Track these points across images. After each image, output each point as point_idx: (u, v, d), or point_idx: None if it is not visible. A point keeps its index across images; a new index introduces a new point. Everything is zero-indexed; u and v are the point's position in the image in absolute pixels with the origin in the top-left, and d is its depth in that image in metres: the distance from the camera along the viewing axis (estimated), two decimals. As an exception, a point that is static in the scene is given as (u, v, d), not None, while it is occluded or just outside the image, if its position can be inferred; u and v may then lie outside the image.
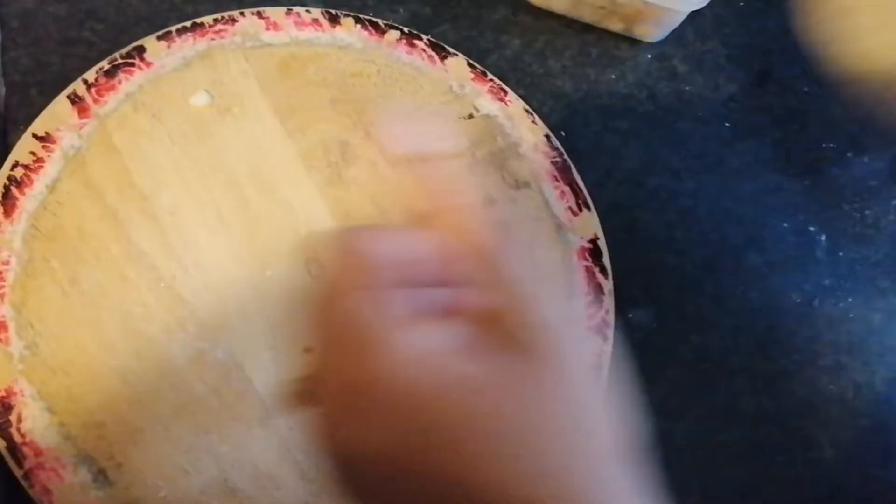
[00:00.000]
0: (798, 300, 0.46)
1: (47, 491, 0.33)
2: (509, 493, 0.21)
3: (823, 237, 0.48)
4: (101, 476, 0.33)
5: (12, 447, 0.33)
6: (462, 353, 0.22)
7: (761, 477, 0.43)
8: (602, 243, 0.42)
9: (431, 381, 0.22)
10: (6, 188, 0.37)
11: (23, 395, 0.34)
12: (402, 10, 0.48)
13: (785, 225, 0.48)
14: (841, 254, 0.47)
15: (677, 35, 0.50)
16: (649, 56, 0.50)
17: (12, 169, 0.37)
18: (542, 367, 0.23)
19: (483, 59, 0.47)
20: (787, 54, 0.51)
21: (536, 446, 0.22)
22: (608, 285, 0.42)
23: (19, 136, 0.39)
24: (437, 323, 0.23)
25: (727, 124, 0.50)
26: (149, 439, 0.34)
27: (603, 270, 0.42)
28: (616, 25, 0.49)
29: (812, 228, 0.48)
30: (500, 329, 0.23)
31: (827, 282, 0.47)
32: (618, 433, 0.24)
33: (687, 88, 0.50)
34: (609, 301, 0.41)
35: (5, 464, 0.33)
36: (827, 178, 0.49)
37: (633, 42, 0.50)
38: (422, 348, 0.22)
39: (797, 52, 0.50)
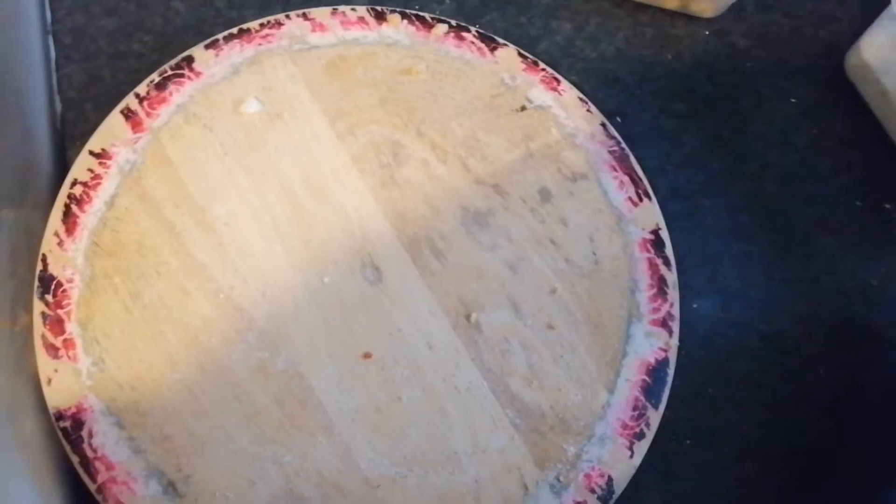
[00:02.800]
0: (875, 283, 0.44)
1: (121, 504, 0.34)
2: None
3: (900, 215, 0.45)
4: (171, 488, 0.34)
5: (85, 462, 0.34)
6: None
7: (839, 470, 0.41)
8: (664, 233, 0.41)
9: None
10: (67, 206, 0.38)
11: (92, 411, 0.35)
12: (447, 1, 0.47)
13: (858, 204, 0.45)
14: (920, 233, 0.45)
15: (736, 9, 0.48)
16: (707, 33, 0.48)
17: (72, 187, 0.38)
18: None
19: (533, 47, 0.46)
20: (857, 21, 0.48)
21: None
22: (672, 277, 0.40)
23: (76, 153, 0.39)
24: None
25: (793, 100, 0.47)
26: (215, 451, 0.35)
27: (666, 262, 0.40)
28: (671, 3, 0.47)
29: (888, 206, 0.46)
30: None
31: (906, 263, 0.44)
32: None
33: (749, 65, 0.48)
34: (674, 293, 0.40)
35: (78, 479, 0.34)
36: (903, 153, 0.46)
37: (690, 19, 0.48)
38: None
39: (868, 18, 0.47)
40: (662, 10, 0.48)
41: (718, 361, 0.42)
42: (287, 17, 0.43)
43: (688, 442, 0.40)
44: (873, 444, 0.41)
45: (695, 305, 0.43)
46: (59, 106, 0.42)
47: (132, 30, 0.44)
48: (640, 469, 0.38)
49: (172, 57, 0.42)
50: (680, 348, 0.40)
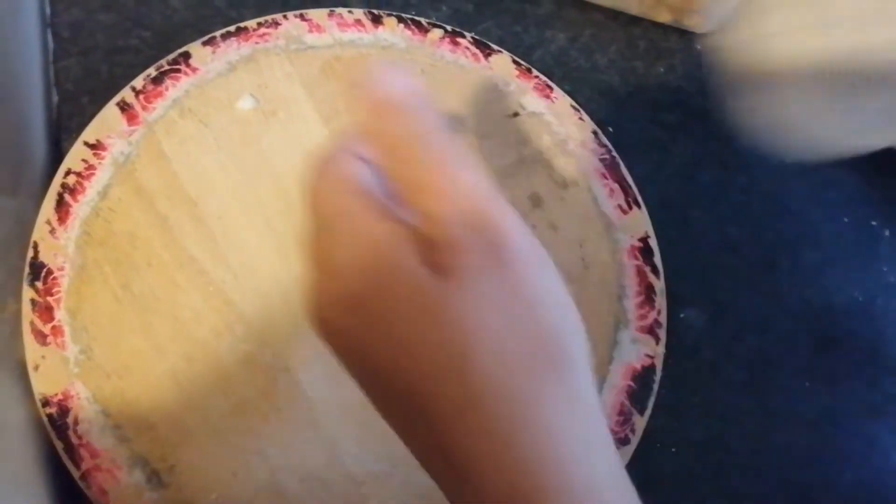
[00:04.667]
0: (860, 298, 0.44)
1: (104, 492, 0.33)
2: (463, 406, 0.22)
3: (887, 232, 0.46)
4: (155, 477, 0.34)
5: (70, 449, 0.34)
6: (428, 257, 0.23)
7: (822, 482, 0.41)
8: (653, 242, 0.41)
9: (397, 276, 0.23)
10: (60, 195, 0.38)
11: (79, 399, 0.35)
12: (444, 8, 0.47)
13: (845, 220, 0.46)
14: (906, 249, 0.45)
15: (728, 24, 0.49)
16: (699, 47, 0.49)
17: (65, 176, 0.38)
18: (506, 273, 0.23)
19: (528, 56, 0.47)
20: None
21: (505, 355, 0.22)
22: (660, 285, 0.40)
23: (72, 144, 0.40)
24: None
25: (782, 116, 0.48)
26: (200, 442, 0.35)
27: (654, 270, 0.41)
28: (664, 16, 0.48)
29: (874, 223, 0.46)
30: (457, 236, 0.23)
31: (892, 279, 0.45)
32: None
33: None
34: (661, 301, 0.40)
35: (63, 465, 0.34)
36: (891, 170, 0.47)
37: (682, 33, 0.49)
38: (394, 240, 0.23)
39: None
40: (655, 24, 0.49)
41: (705, 371, 0.42)
42: (285, 17, 0.43)
43: (673, 450, 0.40)
44: (860, 455, 0.42)
45: (682, 315, 0.43)
46: (55, 98, 0.42)
47: (130, 25, 0.44)
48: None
49: (170, 53, 0.42)
50: (666, 357, 0.40)
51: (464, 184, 0.24)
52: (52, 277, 0.36)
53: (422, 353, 0.23)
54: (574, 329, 0.24)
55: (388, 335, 0.23)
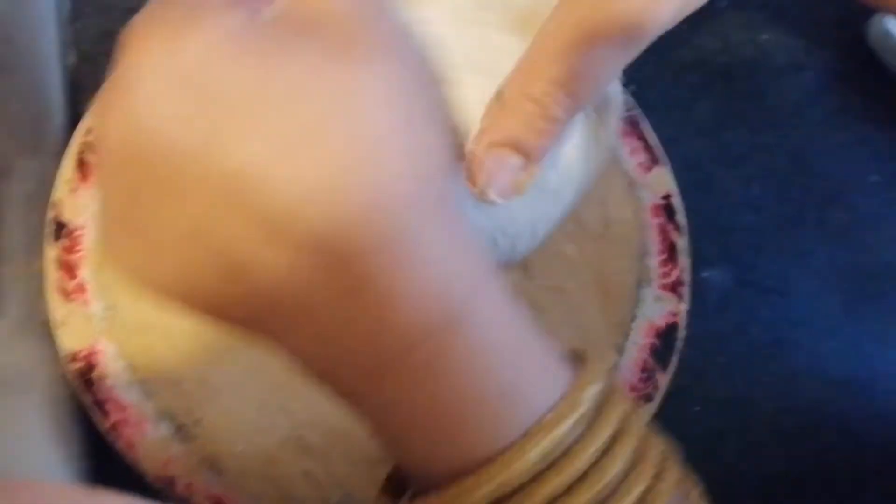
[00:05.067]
0: (889, 258, 0.44)
1: (131, 445, 0.34)
2: (301, 192, 0.19)
3: (917, 190, 0.45)
4: (182, 431, 0.34)
5: (97, 403, 0.34)
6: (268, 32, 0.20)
7: (850, 443, 0.41)
8: (676, 200, 0.41)
9: (227, 52, 0.20)
10: (80, 154, 0.38)
11: (104, 354, 0.35)
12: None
13: (874, 178, 0.45)
14: (937, 207, 0.45)
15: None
16: (724, 4, 0.48)
17: (85, 135, 0.38)
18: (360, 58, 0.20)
19: (549, 14, 0.46)
20: (875, -4, 0.48)
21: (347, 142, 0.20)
22: (683, 243, 0.40)
23: (90, 103, 0.40)
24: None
25: (810, 72, 0.47)
26: (225, 397, 0.35)
27: (677, 228, 0.40)
28: (689, -27, 0.47)
29: (904, 181, 0.45)
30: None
31: (921, 238, 0.44)
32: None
33: (765, 37, 0.48)
34: (684, 260, 0.40)
35: (91, 420, 0.34)
36: (922, 128, 0.46)
37: (707, -10, 0.48)
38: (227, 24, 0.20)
39: (886, -7, 0.46)
40: (680, -19, 0.48)
41: (728, 332, 0.42)
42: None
43: (696, 409, 0.40)
44: (889, 417, 0.41)
45: (706, 275, 0.42)
46: (73, 58, 0.42)
47: (150, -15, 0.44)
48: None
49: (190, 12, 0.42)
50: (690, 318, 0.40)
51: None
52: (74, 235, 0.36)
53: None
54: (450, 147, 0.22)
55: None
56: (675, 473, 0.24)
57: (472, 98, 0.25)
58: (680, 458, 0.25)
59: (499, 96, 0.24)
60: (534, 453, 0.21)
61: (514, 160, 0.24)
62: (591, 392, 0.23)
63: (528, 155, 0.24)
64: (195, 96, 0.20)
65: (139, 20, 0.22)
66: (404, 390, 0.21)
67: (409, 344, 0.21)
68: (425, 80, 0.22)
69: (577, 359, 0.25)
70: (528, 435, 0.21)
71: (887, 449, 0.41)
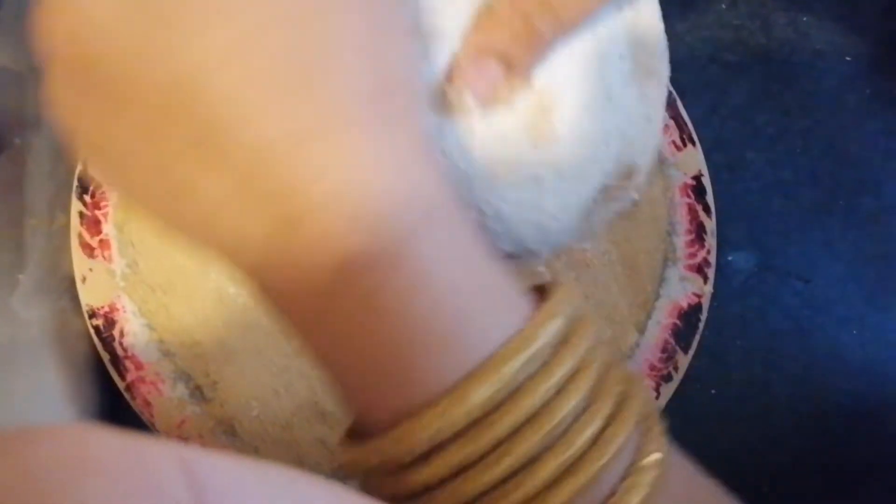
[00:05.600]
0: (916, 248, 0.43)
1: (148, 404, 0.34)
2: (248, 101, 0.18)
3: (947, 182, 0.44)
4: (198, 392, 0.34)
5: (115, 360, 0.34)
6: None
7: (865, 430, 0.40)
8: (706, 180, 0.40)
9: None
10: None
11: (125, 312, 0.35)
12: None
13: (905, 168, 0.44)
14: (968, 199, 0.44)
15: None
16: (765, -17, 0.47)
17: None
18: None
19: (584, -15, 0.45)
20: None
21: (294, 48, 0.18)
22: (711, 224, 0.39)
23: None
24: None
25: (848, 58, 0.46)
26: (243, 360, 0.35)
27: (706, 209, 0.40)
28: (729, -51, 0.46)
29: (936, 172, 0.44)
30: None
31: (950, 230, 0.43)
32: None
33: (805, 19, 0.46)
34: (711, 241, 0.39)
35: (109, 376, 0.34)
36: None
37: (747, -33, 0.47)
38: None
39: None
40: (720, -43, 0.47)
41: (750, 316, 0.41)
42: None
43: (713, 392, 0.40)
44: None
45: (730, 258, 0.42)
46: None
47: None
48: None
49: None
50: (712, 299, 0.39)
51: None
52: (100, 191, 0.36)
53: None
54: (415, 66, 0.21)
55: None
56: (633, 411, 0.22)
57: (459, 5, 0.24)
58: (643, 391, 0.24)
59: (489, 7, 0.24)
60: (476, 395, 0.19)
61: (496, 68, 0.23)
62: (549, 328, 0.21)
63: (511, 65, 0.23)
64: (135, 7, 0.18)
65: None
66: (346, 326, 0.20)
67: (347, 277, 0.19)
68: None
69: (542, 294, 0.23)
70: (471, 376, 0.20)
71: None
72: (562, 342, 0.21)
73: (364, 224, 0.19)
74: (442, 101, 0.23)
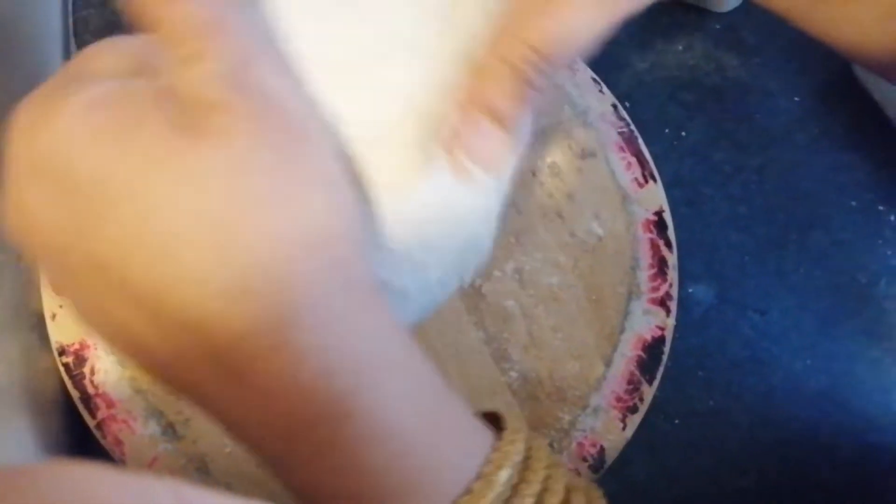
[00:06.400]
0: (864, 281, 0.45)
1: (119, 442, 0.34)
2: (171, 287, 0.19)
3: (892, 217, 0.47)
4: (170, 430, 0.34)
5: (86, 398, 0.34)
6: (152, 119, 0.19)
7: (821, 456, 0.42)
8: (667, 216, 0.42)
9: (101, 149, 0.19)
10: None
11: (95, 349, 0.35)
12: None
13: (853, 203, 0.47)
14: (911, 234, 0.46)
15: (747, 5, 0.49)
16: (718, 27, 0.49)
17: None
18: (272, 139, 0.19)
19: (548, 27, 0.47)
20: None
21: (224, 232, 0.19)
22: (673, 258, 0.41)
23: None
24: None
25: (796, 98, 0.48)
26: (216, 396, 0.35)
27: (668, 243, 0.41)
28: (685, -6, 0.48)
29: (881, 208, 0.47)
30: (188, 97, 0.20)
31: (895, 262, 0.46)
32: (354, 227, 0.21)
33: (756, 60, 0.49)
34: (673, 275, 0.41)
35: (79, 414, 0.34)
36: (901, 156, 0.48)
37: (702, 12, 0.49)
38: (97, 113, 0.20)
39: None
40: (676, 2, 0.49)
41: (711, 348, 0.43)
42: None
43: (676, 422, 0.41)
44: (858, 432, 0.42)
45: (691, 290, 0.43)
46: (74, 48, 0.42)
47: (151, -22, 0.44)
48: (628, 443, 0.38)
49: (191, 7, 0.41)
50: (673, 331, 0.41)
51: (233, 38, 0.20)
52: (70, 227, 0.36)
53: (169, 226, 0.19)
54: (345, 212, 0.21)
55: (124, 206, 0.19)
56: None
57: (408, 79, 0.24)
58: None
59: (475, 63, 0.24)
60: None
61: (489, 126, 0.23)
62: (503, 474, 0.22)
63: (503, 122, 0.23)
64: (53, 185, 0.19)
65: (26, 100, 0.21)
66: (304, 471, 0.21)
67: (293, 433, 0.20)
68: (305, 142, 0.21)
69: (494, 423, 0.24)
70: None
71: (858, 463, 0.42)
72: (521, 481, 0.22)
73: (309, 382, 0.19)
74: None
